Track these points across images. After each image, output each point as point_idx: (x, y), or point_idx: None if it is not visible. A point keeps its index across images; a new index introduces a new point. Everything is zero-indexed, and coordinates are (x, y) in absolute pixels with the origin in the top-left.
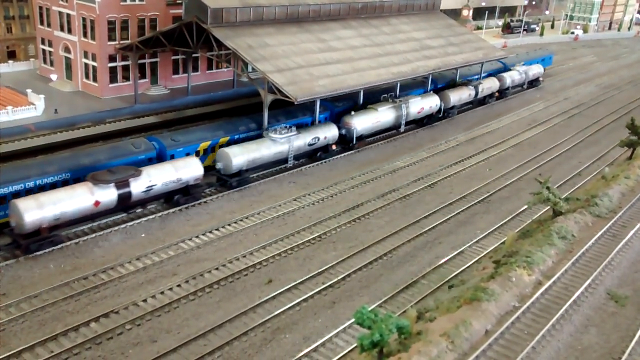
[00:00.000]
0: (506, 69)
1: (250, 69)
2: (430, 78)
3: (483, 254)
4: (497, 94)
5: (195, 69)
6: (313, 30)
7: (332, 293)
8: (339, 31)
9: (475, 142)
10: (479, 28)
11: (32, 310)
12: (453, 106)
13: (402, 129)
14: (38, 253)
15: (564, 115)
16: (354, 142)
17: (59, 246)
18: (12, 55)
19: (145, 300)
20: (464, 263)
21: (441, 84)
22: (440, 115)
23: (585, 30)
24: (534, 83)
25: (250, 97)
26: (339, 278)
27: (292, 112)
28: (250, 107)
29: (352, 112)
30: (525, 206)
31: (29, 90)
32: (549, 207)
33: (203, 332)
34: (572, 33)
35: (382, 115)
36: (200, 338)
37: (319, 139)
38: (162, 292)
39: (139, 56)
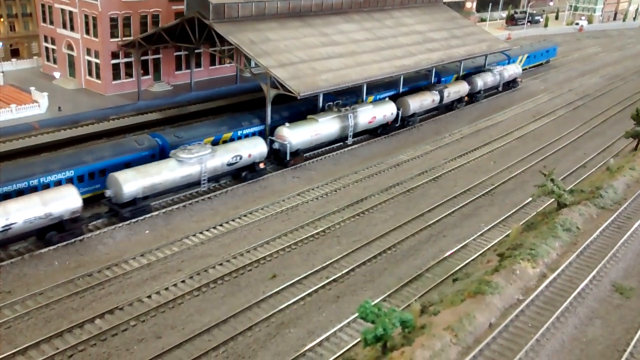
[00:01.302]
0: (510, 61)
1: (253, 64)
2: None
3: (487, 247)
4: (466, 98)
5: (198, 65)
6: (315, 25)
7: (336, 287)
8: (341, 25)
9: (480, 134)
10: (482, 20)
11: (37, 308)
12: (413, 114)
13: (350, 141)
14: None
15: (569, 106)
16: (288, 158)
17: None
18: (15, 54)
19: (149, 297)
20: (469, 256)
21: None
22: (397, 125)
23: (589, 21)
24: (511, 85)
25: (254, 92)
26: (343, 272)
27: (295, 106)
28: (253, 103)
29: (287, 124)
30: (530, 199)
31: (32, 88)
32: (553, 199)
33: (207, 327)
34: (577, 24)
35: (323, 127)
36: (205, 333)
37: (241, 158)
38: (166, 288)
39: (142, 53)
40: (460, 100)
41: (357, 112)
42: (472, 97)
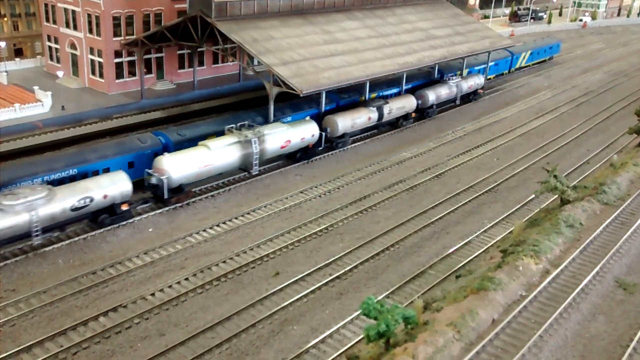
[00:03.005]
0: (513, 58)
1: (255, 63)
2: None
3: (491, 244)
4: (413, 114)
5: (201, 64)
6: (318, 22)
7: (339, 284)
8: (343, 22)
9: (483, 131)
10: (485, 17)
11: (42, 306)
12: (344, 134)
13: (255, 171)
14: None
15: (572, 103)
16: (167, 195)
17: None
18: (19, 53)
19: (153, 294)
20: (472, 253)
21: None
22: (321, 148)
23: (593, 17)
24: (471, 97)
25: (256, 90)
26: (346, 269)
27: (298, 104)
28: (256, 101)
29: (166, 154)
30: (533, 195)
31: (36, 88)
32: (556, 195)
33: (211, 324)
34: (581, 20)
35: (216, 156)
36: (208, 331)
37: (92, 200)
38: (170, 286)
39: (145, 51)
40: (406, 117)
41: (264, 136)
42: (423, 112)
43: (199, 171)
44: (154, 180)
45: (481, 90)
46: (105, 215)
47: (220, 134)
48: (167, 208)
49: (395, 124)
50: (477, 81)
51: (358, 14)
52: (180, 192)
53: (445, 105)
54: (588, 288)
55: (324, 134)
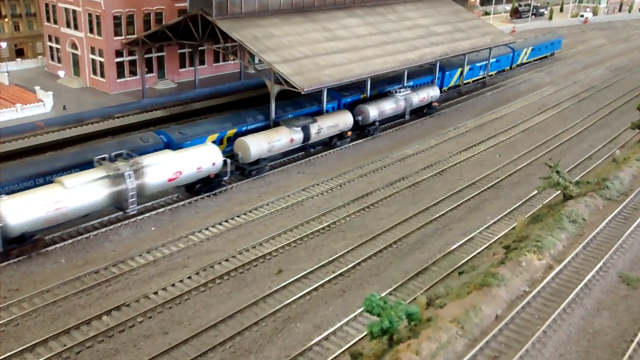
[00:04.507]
0: (514, 54)
1: (256, 61)
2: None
3: (493, 240)
4: (349, 133)
5: (202, 62)
6: (318, 20)
7: (342, 282)
8: (344, 20)
9: (485, 128)
10: (486, 13)
11: (45, 305)
12: (258, 160)
13: (132, 210)
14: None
15: (574, 99)
16: (2, 248)
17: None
18: (20, 53)
19: (156, 293)
20: (475, 249)
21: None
22: (227, 178)
23: (595, 13)
24: (425, 110)
25: (258, 88)
26: (349, 267)
27: (299, 102)
28: (257, 99)
29: (4, 196)
30: (536, 191)
31: (37, 88)
32: (559, 191)
33: (214, 322)
34: (582, 16)
35: (74, 196)
36: (212, 329)
37: None
38: (172, 285)
39: (146, 51)
40: (341, 136)
41: (142, 167)
42: (364, 130)
43: (49, 216)
44: None
45: (436, 103)
46: None
47: (222, 132)
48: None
49: (329, 143)
50: (430, 93)
51: (359, 11)
52: (25, 243)
53: (393, 121)
54: (591, 283)
55: (229, 161)
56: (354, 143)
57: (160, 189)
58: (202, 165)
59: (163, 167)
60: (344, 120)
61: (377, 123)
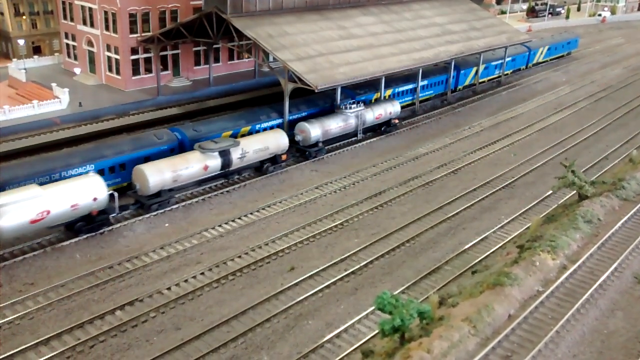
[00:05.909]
0: (531, 53)
1: (271, 59)
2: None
3: (507, 240)
4: (284, 157)
5: (217, 60)
6: (333, 18)
7: (354, 280)
8: (359, 18)
9: (500, 127)
10: (502, 12)
11: (59, 299)
12: (159, 192)
13: None
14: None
15: (591, 98)
16: None
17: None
18: (37, 51)
19: (169, 289)
20: (488, 249)
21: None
22: (115, 214)
23: (613, 12)
24: (383, 128)
25: (272, 86)
26: (362, 265)
27: (313, 100)
28: (271, 97)
29: None
30: (551, 191)
31: (53, 84)
32: (574, 191)
33: (226, 319)
34: (599, 15)
35: None
36: (224, 325)
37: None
38: (186, 280)
39: (161, 48)
40: (274, 160)
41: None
42: (304, 152)
43: None
44: None
45: (396, 120)
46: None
47: (236, 130)
48: (183, 203)
49: (260, 168)
50: (389, 109)
51: (374, 9)
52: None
53: (343, 140)
54: (606, 284)
55: (116, 194)
56: (367, 141)
57: (21, 233)
58: (79, 202)
59: (25, 207)
60: (277, 141)
61: (320, 144)
